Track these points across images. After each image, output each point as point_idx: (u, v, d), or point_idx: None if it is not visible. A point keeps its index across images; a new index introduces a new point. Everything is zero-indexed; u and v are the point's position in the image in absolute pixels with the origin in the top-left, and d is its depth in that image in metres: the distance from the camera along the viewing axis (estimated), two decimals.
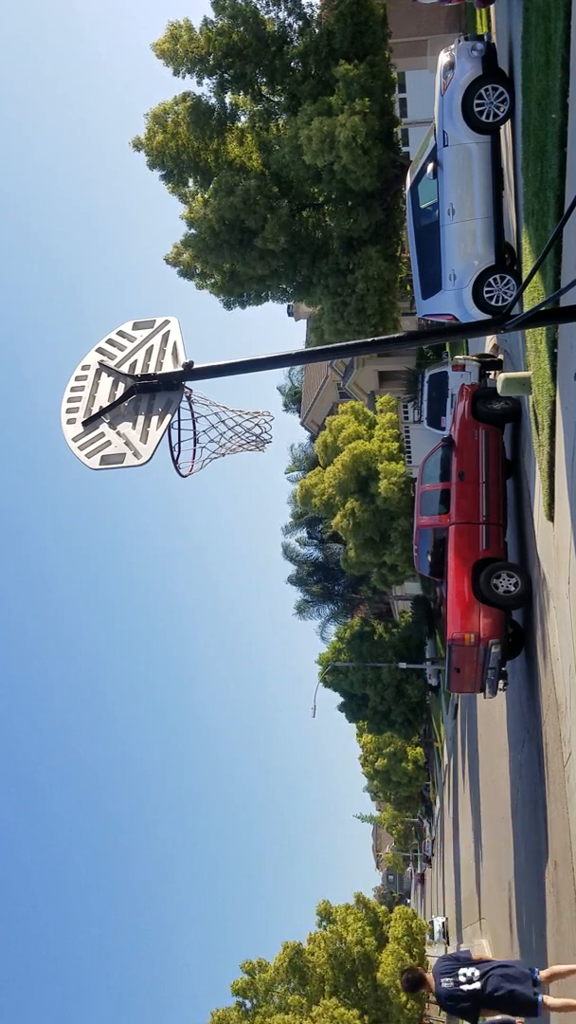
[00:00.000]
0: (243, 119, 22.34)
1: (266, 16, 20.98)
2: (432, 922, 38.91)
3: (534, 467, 12.34)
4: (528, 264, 12.11)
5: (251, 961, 26.16)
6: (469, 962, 7.71)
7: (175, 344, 5.22)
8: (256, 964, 26.06)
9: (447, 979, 7.58)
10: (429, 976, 7.91)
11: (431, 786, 60.16)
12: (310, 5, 21.39)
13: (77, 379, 5.28)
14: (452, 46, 14.07)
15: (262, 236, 20.59)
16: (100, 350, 5.37)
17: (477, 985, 7.40)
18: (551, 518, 10.72)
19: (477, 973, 7.48)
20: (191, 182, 22.24)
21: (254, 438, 5.79)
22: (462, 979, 7.51)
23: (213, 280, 22.62)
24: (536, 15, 10.32)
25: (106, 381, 5.19)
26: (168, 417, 4.92)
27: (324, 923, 27.92)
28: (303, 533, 54.76)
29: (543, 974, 7.56)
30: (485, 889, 21.58)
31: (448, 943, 36.90)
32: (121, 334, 5.40)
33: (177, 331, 5.28)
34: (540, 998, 7.33)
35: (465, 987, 7.47)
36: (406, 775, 55.47)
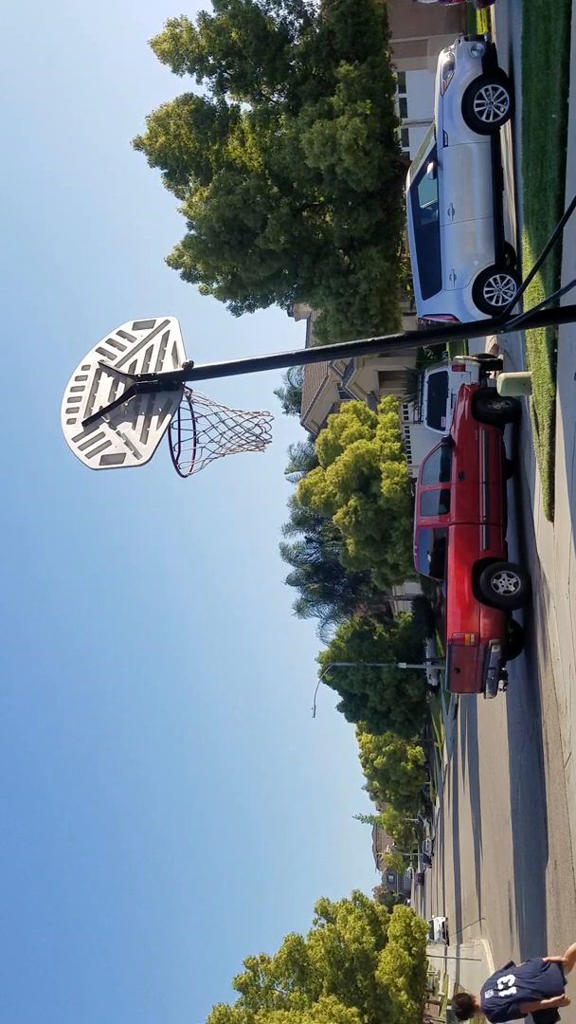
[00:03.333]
0: (243, 118, 22.32)
1: (267, 15, 20.97)
2: (432, 922, 38.91)
3: (534, 467, 12.34)
4: (528, 264, 12.11)
5: (254, 957, 26.23)
6: (508, 970, 7.76)
7: (175, 344, 5.23)
8: (259, 959, 26.13)
9: (489, 991, 7.68)
10: (477, 1000, 7.99)
11: (431, 786, 60.17)
12: (310, 4, 21.38)
13: (77, 379, 5.29)
14: (452, 46, 14.07)
15: (263, 236, 20.56)
16: (100, 350, 5.37)
17: (513, 991, 7.45)
18: (551, 518, 10.73)
19: (513, 979, 7.53)
20: (191, 182, 22.23)
21: (254, 438, 5.79)
22: (500, 987, 7.57)
23: (217, 284, 22.58)
24: (536, 15, 10.32)
25: (106, 381, 5.19)
26: (168, 417, 4.93)
27: (322, 920, 27.95)
28: (302, 535, 54.71)
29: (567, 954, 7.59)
30: (485, 889, 21.60)
31: (448, 943, 36.92)
32: (121, 334, 5.41)
33: (177, 331, 5.29)
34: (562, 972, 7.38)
35: (503, 993, 7.52)
36: (405, 774, 55.53)
